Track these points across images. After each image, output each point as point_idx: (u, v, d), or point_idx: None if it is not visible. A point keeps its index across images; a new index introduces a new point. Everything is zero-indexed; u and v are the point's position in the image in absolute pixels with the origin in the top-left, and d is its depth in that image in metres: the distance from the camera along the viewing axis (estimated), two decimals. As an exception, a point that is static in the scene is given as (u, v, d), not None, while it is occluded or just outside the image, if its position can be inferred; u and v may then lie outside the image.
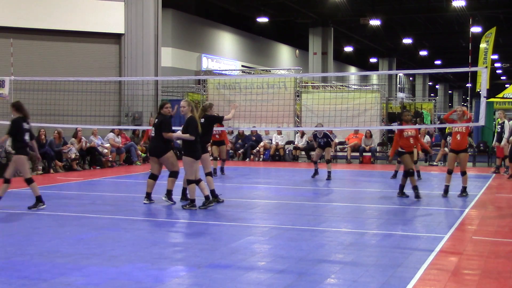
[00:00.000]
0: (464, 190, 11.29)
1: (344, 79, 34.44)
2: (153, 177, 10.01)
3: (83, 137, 16.97)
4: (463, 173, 11.26)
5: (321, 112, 19.91)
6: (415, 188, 10.82)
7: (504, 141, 15.65)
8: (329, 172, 14.25)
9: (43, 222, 8.40)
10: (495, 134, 16.76)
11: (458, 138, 11.22)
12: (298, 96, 21.53)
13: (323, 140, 14.35)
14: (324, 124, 19.49)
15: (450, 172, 11.28)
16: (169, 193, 9.96)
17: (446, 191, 11.23)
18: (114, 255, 6.34)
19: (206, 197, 9.60)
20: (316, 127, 14.80)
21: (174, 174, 9.92)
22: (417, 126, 14.28)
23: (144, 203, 10.01)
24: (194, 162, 9.40)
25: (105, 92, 18.02)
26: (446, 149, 18.79)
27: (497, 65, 48.87)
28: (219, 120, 10.81)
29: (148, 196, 10.07)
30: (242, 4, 32.38)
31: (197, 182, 9.44)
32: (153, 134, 10.01)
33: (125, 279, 5.48)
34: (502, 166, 16.44)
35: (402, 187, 11.10)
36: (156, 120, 10.13)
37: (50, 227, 8.02)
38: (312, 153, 20.60)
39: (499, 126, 16.17)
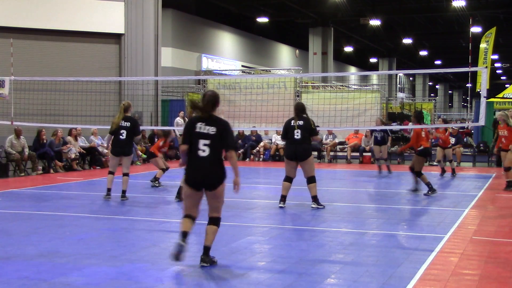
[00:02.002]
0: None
1: (344, 79, 34.41)
2: (113, 173, 10.64)
3: (81, 137, 16.98)
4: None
5: (321, 112, 19.90)
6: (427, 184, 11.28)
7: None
8: None
9: (43, 222, 8.40)
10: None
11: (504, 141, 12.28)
12: (298, 96, 21.51)
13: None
14: (324, 124, 19.52)
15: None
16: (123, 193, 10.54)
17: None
18: (114, 255, 6.34)
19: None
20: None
21: (128, 175, 10.62)
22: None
23: (105, 198, 10.51)
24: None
25: (105, 92, 18.02)
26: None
27: (497, 65, 48.86)
28: None
29: (109, 191, 10.59)
30: (242, 4, 32.37)
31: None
32: (123, 137, 10.41)
33: (125, 279, 5.48)
34: (502, 166, 16.43)
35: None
36: (127, 123, 10.48)
37: (50, 227, 8.02)
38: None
39: None
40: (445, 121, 19.90)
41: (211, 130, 5.76)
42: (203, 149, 5.74)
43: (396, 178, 15.32)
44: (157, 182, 12.66)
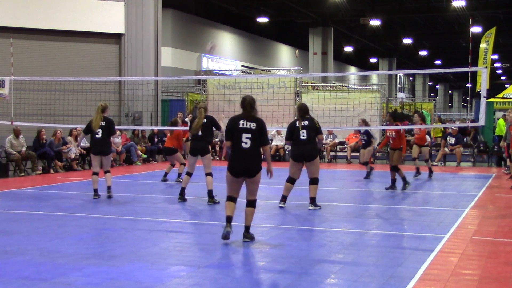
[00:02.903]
0: None
1: (344, 79, 34.45)
2: (97, 174, 10.90)
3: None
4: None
5: (321, 112, 19.90)
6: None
7: (502, 142, 15.69)
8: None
9: (43, 222, 8.40)
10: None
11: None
12: (298, 96, 21.52)
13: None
14: (324, 124, 19.51)
15: None
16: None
17: None
18: (114, 255, 6.34)
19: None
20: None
21: (109, 171, 10.99)
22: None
23: (94, 198, 10.69)
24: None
25: (105, 92, 18.02)
26: (446, 149, 18.85)
27: (497, 65, 48.86)
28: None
29: (96, 191, 10.81)
30: (242, 4, 32.37)
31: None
32: (99, 135, 10.68)
33: (125, 279, 5.48)
34: (502, 165, 16.43)
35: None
36: (102, 122, 10.77)
37: (50, 227, 8.02)
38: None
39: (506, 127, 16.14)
40: (441, 121, 19.96)
41: (252, 125, 6.93)
42: (246, 142, 6.86)
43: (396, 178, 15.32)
44: (180, 178, 12.99)
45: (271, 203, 10.60)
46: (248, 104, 7.08)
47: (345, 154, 20.05)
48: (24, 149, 15.25)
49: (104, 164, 10.92)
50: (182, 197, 10.32)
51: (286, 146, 20.70)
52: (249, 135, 6.88)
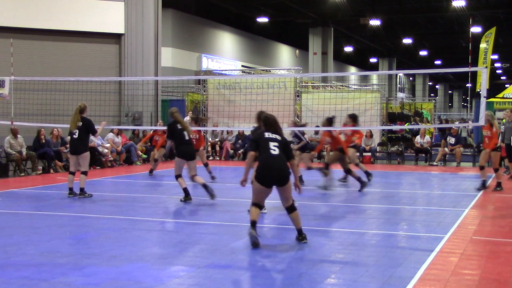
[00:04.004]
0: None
1: (344, 79, 34.46)
2: (73, 173, 11.05)
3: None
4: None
5: (321, 112, 19.89)
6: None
7: (499, 142, 15.71)
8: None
9: (43, 222, 8.40)
10: (499, 134, 16.73)
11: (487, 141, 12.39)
12: (298, 96, 21.52)
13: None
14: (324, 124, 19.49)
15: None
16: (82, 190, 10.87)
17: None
18: (114, 255, 6.34)
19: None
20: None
21: (86, 173, 11.05)
22: (417, 126, 14.32)
23: (69, 196, 10.79)
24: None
25: (105, 92, 18.02)
26: (446, 149, 18.85)
27: (497, 65, 48.87)
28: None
29: (71, 190, 10.94)
30: (242, 4, 32.37)
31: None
32: (75, 136, 10.87)
33: (125, 279, 5.48)
34: (502, 165, 16.43)
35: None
36: (79, 123, 10.89)
37: (50, 227, 8.02)
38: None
39: (503, 126, 16.13)
40: (428, 121, 20.05)
41: (278, 137, 6.97)
42: (274, 149, 6.81)
43: (396, 178, 15.34)
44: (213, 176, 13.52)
45: (271, 203, 10.60)
46: (272, 123, 7.13)
47: (345, 154, 20.01)
48: (24, 149, 15.25)
49: (81, 164, 10.97)
50: (187, 197, 10.36)
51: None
52: (276, 144, 6.87)
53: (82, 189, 10.83)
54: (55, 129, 16.09)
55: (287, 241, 7.20)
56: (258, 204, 6.98)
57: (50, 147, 15.76)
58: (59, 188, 12.60)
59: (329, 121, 12.34)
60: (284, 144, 6.94)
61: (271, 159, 6.77)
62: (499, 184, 12.23)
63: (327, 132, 12.55)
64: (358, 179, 11.98)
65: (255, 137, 7.14)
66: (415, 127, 21.90)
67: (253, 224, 6.82)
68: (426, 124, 20.73)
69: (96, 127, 11.22)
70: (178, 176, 10.36)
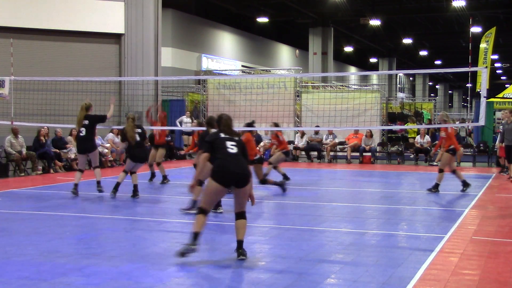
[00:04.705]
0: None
1: (344, 79, 34.43)
2: (82, 171, 11.31)
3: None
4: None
5: (321, 112, 19.91)
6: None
7: (497, 142, 15.76)
8: None
9: (43, 222, 8.40)
10: (499, 135, 16.75)
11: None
12: (298, 96, 21.52)
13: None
14: (324, 124, 19.52)
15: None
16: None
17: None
18: (114, 255, 6.34)
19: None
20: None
21: (99, 166, 11.46)
22: (417, 126, 14.34)
23: (72, 191, 10.92)
24: None
25: (105, 92, 18.00)
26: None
27: (497, 65, 48.86)
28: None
29: (76, 186, 11.04)
30: (242, 4, 32.36)
31: None
32: (82, 134, 11.03)
33: (125, 279, 5.48)
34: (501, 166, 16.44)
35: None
36: (86, 121, 11.01)
37: (50, 227, 8.02)
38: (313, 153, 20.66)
39: (501, 126, 16.14)
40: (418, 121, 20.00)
41: (234, 137, 6.44)
42: (232, 148, 6.24)
43: (396, 178, 15.34)
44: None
45: (271, 203, 10.61)
46: (225, 124, 6.49)
47: (345, 154, 20.05)
48: (24, 149, 15.26)
49: (92, 160, 11.34)
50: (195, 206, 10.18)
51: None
52: (233, 143, 6.27)
53: (98, 182, 11.13)
54: (43, 128, 15.93)
55: (287, 241, 7.20)
56: (205, 211, 6.21)
57: (56, 144, 15.94)
58: (59, 188, 12.60)
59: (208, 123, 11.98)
60: (241, 145, 6.36)
61: (229, 156, 6.15)
62: (465, 182, 11.87)
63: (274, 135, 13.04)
64: (275, 183, 11.55)
65: (208, 138, 6.45)
66: (415, 127, 21.91)
67: (196, 236, 6.07)
68: (413, 125, 20.68)
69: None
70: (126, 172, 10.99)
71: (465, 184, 11.84)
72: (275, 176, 12.26)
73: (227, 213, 9.23)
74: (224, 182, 6.12)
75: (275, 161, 12.71)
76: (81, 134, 11.07)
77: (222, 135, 6.38)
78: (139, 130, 11.00)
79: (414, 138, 21.06)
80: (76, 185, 11.06)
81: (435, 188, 11.70)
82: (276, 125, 13.30)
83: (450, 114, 57.71)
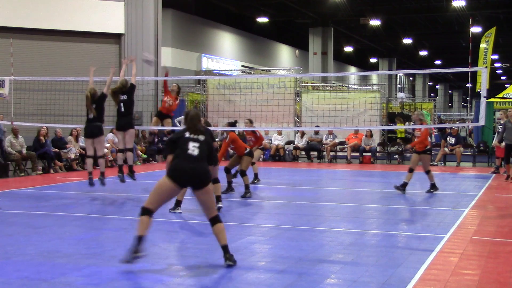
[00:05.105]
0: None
1: (344, 79, 34.43)
2: (91, 157, 11.47)
3: (81, 137, 16.97)
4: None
5: (321, 112, 19.92)
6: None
7: (495, 142, 15.76)
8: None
9: (43, 222, 8.40)
10: (496, 134, 16.76)
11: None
12: (298, 96, 21.53)
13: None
14: (324, 124, 19.53)
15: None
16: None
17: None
18: (114, 255, 6.34)
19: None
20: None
21: (103, 156, 11.63)
22: (417, 126, 14.32)
23: (89, 180, 11.20)
24: None
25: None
26: (446, 149, 18.86)
27: (497, 65, 48.86)
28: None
29: (90, 174, 11.36)
30: (242, 4, 32.38)
31: None
32: (91, 116, 11.21)
33: (125, 279, 5.48)
34: (502, 166, 16.45)
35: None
36: (94, 105, 11.20)
37: (50, 227, 8.02)
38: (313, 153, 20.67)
39: (500, 126, 16.15)
40: (403, 122, 19.86)
41: (200, 137, 6.02)
42: (193, 149, 5.90)
43: (396, 178, 15.32)
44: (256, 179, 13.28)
45: (271, 203, 10.61)
46: (190, 120, 6.14)
47: (345, 154, 20.06)
48: (24, 149, 15.26)
49: (97, 148, 11.29)
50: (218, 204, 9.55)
51: (286, 146, 20.73)
52: (196, 145, 5.91)
53: (102, 173, 11.30)
54: (42, 128, 15.93)
55: (287, 241, 7.19)
56: (150, 211, 5.83)
57: (56, 143, 15.95)
58: (59, 188, 12.60)
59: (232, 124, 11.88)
60: (206, 146, 6.01)
61: (188, 158, 5.82)
62: (433, 186, 11.68)
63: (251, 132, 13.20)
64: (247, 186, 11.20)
65: (173, 136, 6.12)
66: (414, 127, 21.86)
67: (141, 240, 5.75)
68: (401, 125, 20.67)
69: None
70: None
71: (433, 187, 11.66)
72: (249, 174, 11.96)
73: (227, 213, 9.23)
74: (180, 183, 5.81)
75: (256, 158, 12.97)
76: (90, 116, 11.22)
77: (187, 134, 6.01)
78: (124, 97, 11.20)
79: (402, 138, 21.06)
80: (90, 173, 11.35)
81: (402, 187, 11.58)
82: (251, 121, 13.38)
83: (450, 114, 57.62)
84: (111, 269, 5.80)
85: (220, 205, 9.25)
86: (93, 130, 11.16)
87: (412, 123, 13.78)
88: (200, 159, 5.89)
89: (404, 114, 26.12)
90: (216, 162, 6.36)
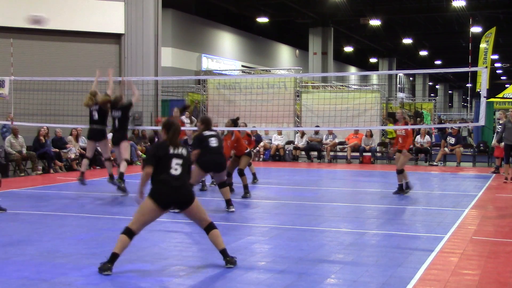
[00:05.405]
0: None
1: (344, 79, 34.45)
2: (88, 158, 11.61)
3: (82, 137, 16.99)
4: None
5: (321, 112, 19.92)
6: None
7: (494, 142, 15.76)
8: None
9: (43, 222, 8.40)
10: (496, 134, 16.76)
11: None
12: (298, 96, 21.53)
13: None
14: (324, 124, 19.53)
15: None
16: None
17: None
18: (114, 255, 6.33)
19: None
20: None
21: (109, 159, 11.62)
22: (417, 126, 14.34)
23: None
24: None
25: (105, 92, 17.98)
26: (446, 149, 18.86)
27: (497, 65, 48.89)
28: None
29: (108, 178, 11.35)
30: (242, 4, 32.38)
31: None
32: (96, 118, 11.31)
33: (125, 279, 5.48)
34: (502, 166, 16.45)
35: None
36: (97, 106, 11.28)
37: (50, 227, 8.02)
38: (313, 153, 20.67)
39: (500, 126, 16.15)
40: (391, 122, 19.72)
41: (183, 151, 5.85)
42: (176, 168, 5.72)
43: (396, 178, 15.31)
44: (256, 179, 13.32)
45: (271, 203, 10.61)
46: (173, 133, 5.88)
47: (345, 154, 20.06)
48: (24, 149, 15.27)
49: (102, 151, 11.47)
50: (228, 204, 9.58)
51: (286, 146, 20.73)
52: (179, 162, 5.74)
53: (111, 175, 11.30)
54: (42, 128, 15.92)
55: (287, 241, 7.20)
56: (132, 233, 5.69)
57: (56, 144, 15.96)
58: (59, 188, 12.60)
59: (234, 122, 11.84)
60: (186, 162, 5.83)
61: (170, 178, 5.67)
62: (401, 187, 11.39)
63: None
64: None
65: (157, 151, 5.78)
66: (414, 127, 21.88)
67: (115, 258, 5.64)
68: (391, 125, 20.61)
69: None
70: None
71: (401, 189, 11.37)
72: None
73: (227, 213, 9.23)
74: (162, 205, 5.70)
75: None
76: (94, 117, 11.35)
77: (171, 150, 5.76)
78: (119, 114, 11.29)
79: (392, 139, 21.03)
80: (82, 173, 11.44)
81: (401, 190, 11.33)
82: (245, 125, 13.47)
83: (450, 114, 57.67)
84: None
85: (232, 209, 9.25)
86: (97, 134, 11.30)
87: (457, 122, 13.61)
88: (182, 178, 5.75)
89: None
90: (189, 178, 6.06)
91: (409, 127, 11.60)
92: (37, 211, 9.44)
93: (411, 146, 11.55)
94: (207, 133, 9.24)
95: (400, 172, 11.30)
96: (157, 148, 5.87)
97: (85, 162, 11.39)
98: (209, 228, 5.96)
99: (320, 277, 5.60)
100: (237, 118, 12.07)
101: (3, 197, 10.95)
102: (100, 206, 10.00)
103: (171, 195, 5.68)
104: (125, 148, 11.26)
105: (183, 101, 22.95)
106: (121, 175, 11.00)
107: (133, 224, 5.72)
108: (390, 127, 20.49)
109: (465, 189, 12.84)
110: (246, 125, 13.60)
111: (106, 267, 5.61)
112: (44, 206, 9.99)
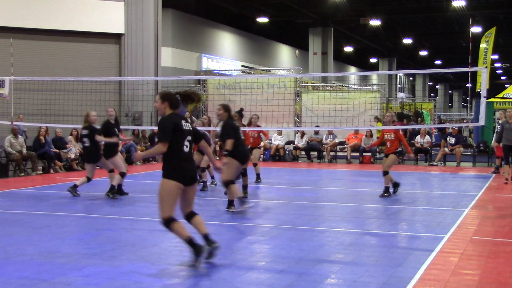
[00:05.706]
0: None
1: (344, 79, 34.47)
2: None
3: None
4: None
5: (321, 112, 19.93)
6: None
7: (493, 142, 15.75)
8: None
9: (43, 222, 8.40)
10: (495, 134, 16.76)
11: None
12: (298, 96, 21.53)
13: None
14: (324, 124, 19.53)
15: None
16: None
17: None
18: (114, 255, 6.34)
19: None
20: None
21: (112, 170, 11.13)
22: (417, 126, 14.32)
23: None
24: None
25: (105, 92, 18.02)
26: (446, 149, 18.86)
27: (497, 65, 48.89)
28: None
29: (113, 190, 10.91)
30: (242, 4, 32.39)
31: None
32: (87, 145, 10.89)
33: (125, 279, 5.48)
34: (502, 166, 16.45)
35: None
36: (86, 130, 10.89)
37: (50, 227, 8.02)
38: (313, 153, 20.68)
39: (499, 126, 16.15)
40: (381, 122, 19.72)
41: (190, 126, 6.06)
42: (187, 145, 5.93)
43: (396, 178, 15.31)
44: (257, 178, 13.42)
45: (271, 203, 10.61)
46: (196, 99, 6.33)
47: (345, 154, 20.06)
48: (24, 149, 15.27)
49: (110, 166, 11.18)
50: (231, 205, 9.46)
51: (286, 146, 20.73)
52: (189, 138, 5.94)
53: (113, 187, 10.96)
54: (42, 128, 15.91)
55: (287, 241, 7.19)
56: (173, 219, 5.84)
57: (55, 143, 15.97)
58: (59, 188, 12.60)
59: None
60: (193, 138, 6.04)
61: (184, 156, 5.87)
62: (387, 190, 11.22)
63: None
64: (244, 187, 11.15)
65: (174, 126, 5.83)
66: (414, 127, 21.93)
67: (192, 241, 5.84)
68: (380, 125, 20.56)
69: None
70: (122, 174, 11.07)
71: (386, 191, 11.22)
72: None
73: (227, 213, 9.23)
74: (184, 182, 5.83)
75: (256, 159, 13.21)
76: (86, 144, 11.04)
77: (183, 124, 5.94)
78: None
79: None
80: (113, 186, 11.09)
81: (387, 192, 11.19)
82: (258, 117, 13.51)
83: (450, 114, 57.67)
84: (111, 269, 5.80)
85: (232, 209, 9.15)
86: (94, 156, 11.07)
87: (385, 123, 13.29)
88: (191, 154, 6.03)
89: (405, 114, 26.16)
90: (204, 137, 6.31)
91: (408, 127, 11.57)
92: (37, 211, 9.44)
93: (399, 149, 11.38)
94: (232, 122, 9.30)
95: (385, 174, 11.20)
96: (172, 121, 5.90)
97: (83, 180, 10.96)
98: (192, 214, 6.07)
99: (320, 277, 5.60)
100: (241, 109, 11.87)
101: (3, 197, 10.96)
102: (100, 206, 10.00)
103: (188, 173, 5.86)
104: (113, 162, 11.02)
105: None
106: (112, 188, 10.82)
107: (167, 212, 5.81)
108: (379, 127, 20.50)
109: (465, 189, 12.84)
110: (258, 117, 13.38)
111: (200, 251, 5.78)
112: (44, 206, 9.99)
